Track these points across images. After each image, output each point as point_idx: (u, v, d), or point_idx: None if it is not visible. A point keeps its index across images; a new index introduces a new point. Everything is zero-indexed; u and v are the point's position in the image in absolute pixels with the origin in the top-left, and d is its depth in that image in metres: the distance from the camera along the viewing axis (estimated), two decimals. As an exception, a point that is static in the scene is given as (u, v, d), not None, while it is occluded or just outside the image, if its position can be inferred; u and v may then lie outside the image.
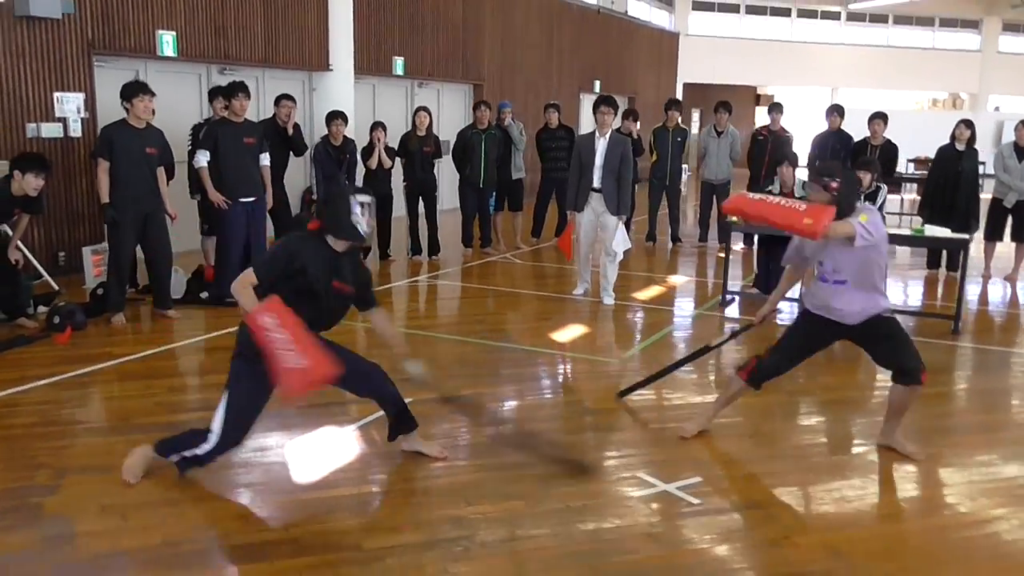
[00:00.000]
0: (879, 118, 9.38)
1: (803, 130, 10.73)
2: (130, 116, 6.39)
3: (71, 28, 8.05)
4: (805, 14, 27.01)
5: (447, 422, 4.60)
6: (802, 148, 10.64)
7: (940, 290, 9.00)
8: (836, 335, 4.41)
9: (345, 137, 8.91)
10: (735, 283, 8.52)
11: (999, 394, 5.74)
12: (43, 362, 5.50)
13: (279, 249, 3.68)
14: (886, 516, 3.78)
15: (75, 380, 5.22)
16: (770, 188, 7.77)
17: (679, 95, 22.98)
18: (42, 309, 6.59)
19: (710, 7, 25.68)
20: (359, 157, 9.17)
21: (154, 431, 4.11)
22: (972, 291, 8.74)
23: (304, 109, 11.13)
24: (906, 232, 7.79)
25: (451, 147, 10.09)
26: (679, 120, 11.05)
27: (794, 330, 4.50)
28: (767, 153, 10.12)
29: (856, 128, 10.03)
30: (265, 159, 7.36)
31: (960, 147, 8.93)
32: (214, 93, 7.79)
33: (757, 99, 28.04)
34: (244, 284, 3.56)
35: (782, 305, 6.22)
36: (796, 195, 7.53)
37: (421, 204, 9.63)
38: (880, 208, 7.16)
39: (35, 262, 7.30)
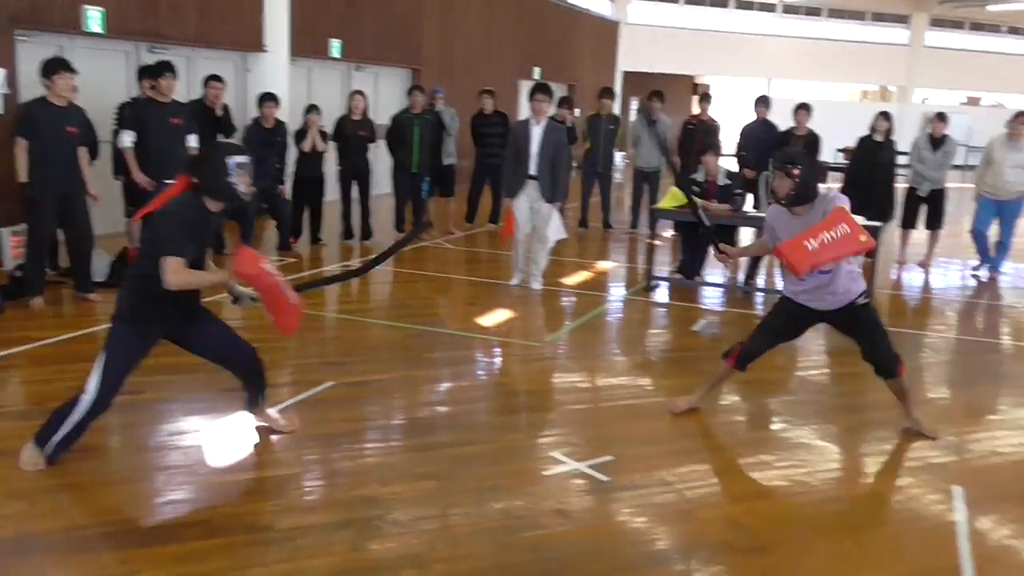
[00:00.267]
0: (803, 109, 9.65)
1: (739, 120, 10.95)
2: (51, 94, 6.23)
3: (-9, 2, 7.82)
4: (742, 5, 27.45)
5: (363, 405, 4.66)
6: (732, 137, 10.92)
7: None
8: (815, 320, 4.60)
9: (277, 120, 8.83)
10: (663, 269, 8.71)
11: (910, 373, 5.96)
12: (-43, 345, 5.39)
13: (174, 219, 3.61)
14: (787, 489, 3.95)
15: (-10, 364, 5.13)
16: (695, 176, 7.96)
17: (619, 84, 23.20)
18: (-42, 292, 6.44)
19: (650, -4, 25.92)
20: (292, 140, 9.11)
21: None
22: (888, 276, 9.10)
23: (238, 91, 10.99)
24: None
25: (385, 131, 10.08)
26: (611, 108, 11.20)
27: (774, 315, 4.69)
28: (696, 141, 10.32)
29: (788, 118, 10.28)
30: (193, 140, 7.28)
31: (879, 138, 9.24)
32: (143, 73, 7.66)
33: (695, 89, 28.41)
34: (180, 270, 3.54)
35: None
36: (719, 183, 7.75)
37: (355, 189, 9.61)
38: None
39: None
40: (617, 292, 8.16)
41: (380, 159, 11.68)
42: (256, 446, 4.12)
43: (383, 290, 8.10)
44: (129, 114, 7.10)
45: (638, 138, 11.09)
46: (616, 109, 11.73)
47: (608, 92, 11.28)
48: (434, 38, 14.96)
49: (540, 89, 7.61)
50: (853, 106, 27.25)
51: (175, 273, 3.53)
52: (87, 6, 8.62)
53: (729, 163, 9.20)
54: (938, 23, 29.34)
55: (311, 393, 4.77)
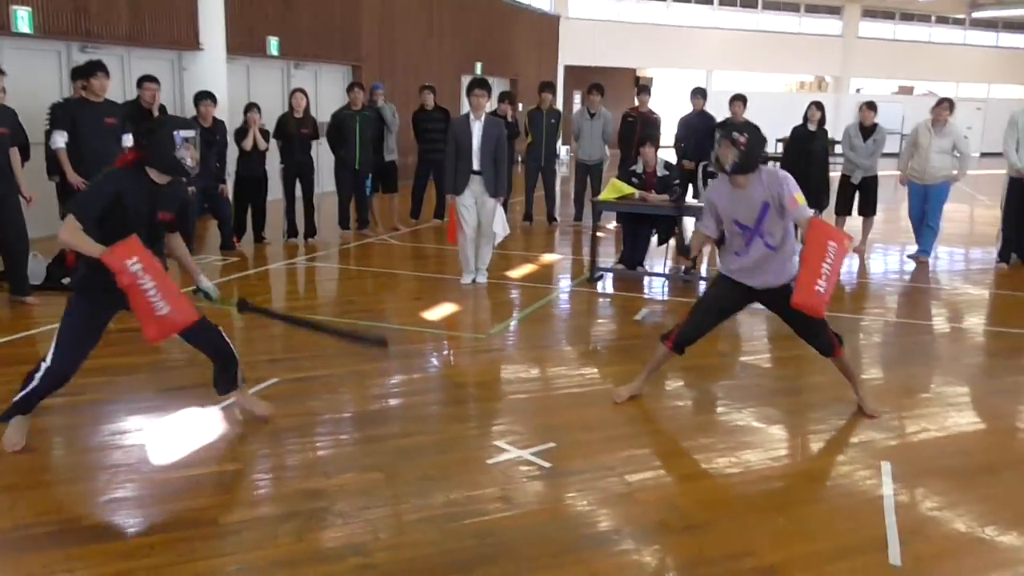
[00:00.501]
0: (738, 100, 9.85)
1: (679, 112, 11.14)
2: (-23, 96, 6.14)
3: (-88, 2, 7.62)
4: (681, -1, 27.85)
5: (309, 400, 4.68)
6: (670, 129, 11.09)
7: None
8: (750, 298, 4.68)
9: (215, 119, 8.74)
10: (607, 260, 8.83)
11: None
12: None
13: (101, 187, 3.73)
14: (725, 471, 4.06)
15: (-78, 371, 5.02)
16: (634, 167, 8.09)
17: (560, 77, 23.34)
18: None
19: (590, -10, 26.11)
20: (231, 139, 9.02)
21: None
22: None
23: (175, 90, 10.84)
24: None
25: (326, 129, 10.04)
26: (552, 102, 11.29)
27: (708, 295, 4.79)
28: (636, 133, 10.47)
29: (726, 110, 10.49)
30: (128, 140, 7.17)
31: (812, 127, 9.48)
32: (75, 73, 7.52)
33: (637, 81, 28.71)
34: (73, 230, 3.60)
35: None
36: (658, 174, 7.89)
37: (298, 187, 9.55)
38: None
39: None
40: (562, 284, 8.26)
41: (323, 157, 11.64)
42: (200, 443, 4.12)
43: (329, 287, 8.09)
44: (61, 114, 6.98)
45: (579, 131, 11.22)
46: (559, 103, 11.82)
47: (548, 86, 11.37)
48: (373, 34, 14.91)
49: (478, 84, 7.64)
50: (790, 97, 27.81)
51: (66, 230, 3.62)
52: (15, 6, 8.44)
53: (668, 154, 9.37)
54: (870, 14, 30.10)
55: (256, 390, 4.75)
